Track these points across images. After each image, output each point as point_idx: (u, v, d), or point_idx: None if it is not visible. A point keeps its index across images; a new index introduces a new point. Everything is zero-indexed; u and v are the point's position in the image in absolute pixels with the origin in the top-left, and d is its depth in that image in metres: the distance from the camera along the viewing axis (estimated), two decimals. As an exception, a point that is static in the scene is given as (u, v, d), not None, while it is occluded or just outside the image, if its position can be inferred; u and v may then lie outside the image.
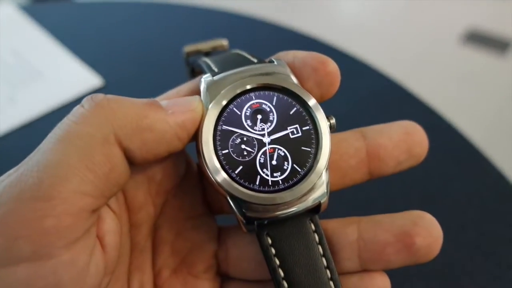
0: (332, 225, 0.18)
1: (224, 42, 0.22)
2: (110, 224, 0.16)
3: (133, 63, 0.43)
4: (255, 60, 0.18)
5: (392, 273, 0.27)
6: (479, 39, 1.32)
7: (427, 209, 0.30)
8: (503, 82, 1.18)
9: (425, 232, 0.16)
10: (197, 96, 0.17)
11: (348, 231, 0.17)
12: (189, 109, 0.16)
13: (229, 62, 0.18)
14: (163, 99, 0.17)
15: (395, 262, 0.16)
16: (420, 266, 0.28)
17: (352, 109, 0.38)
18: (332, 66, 0.17)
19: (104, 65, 0.43)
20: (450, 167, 0.33)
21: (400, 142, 0.18)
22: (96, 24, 0.50)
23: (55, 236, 0.13)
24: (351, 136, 0.18)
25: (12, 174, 0.14)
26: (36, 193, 0.13)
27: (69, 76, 0.41)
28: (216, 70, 0.18)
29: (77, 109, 0.15)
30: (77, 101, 0.38)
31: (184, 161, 0.19)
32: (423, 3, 1.48)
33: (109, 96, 0.15)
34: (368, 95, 0.39)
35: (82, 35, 0.47)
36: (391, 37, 1.36)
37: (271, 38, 0.47)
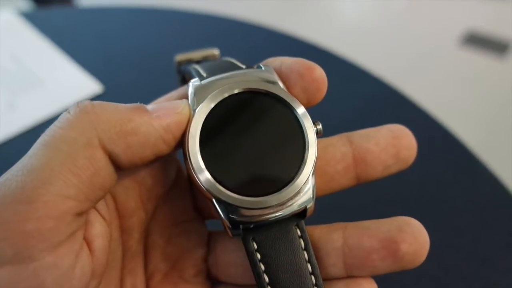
0: (318, 231, 0.18)
1: (216, 51, 0.22)
2: (99, 228, 0.16)
3: (132, 69, 0.43)
4: (244, 66, 0.18)
5: (387, 279, 0.27)
6: (478, 41, 1.33)
7: (423, 214, 0.30)
8: (502, 84, 1.18)
9: (411, 238, 0.16)
10: (184, 100, 0.17)
11: (334, 237, 0.17)
12: (175, 112, 0.16)
13: (217, 68, 0.18)
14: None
15: (380, 269, 0.16)
16: (415, 271, 0.28)
17: (348, 115, 0.38)
18: (319, 72, 0.17)
19: (103, 71, 0.43)
20: (447, 173, 0.34)
21: (388, 146, 0.18)
22: (95, 30, 0.50)
23: (36, 239, 0.13)
24: (338, 141, 0.18)
25: (4, 175, 0.14)
26: (18, 196, 0.13)
27: (68, 83, 0.42)
28: (204, 75, 0.18)
29: (63, 115, 0.15)
30: (77, 107, 0.39)
31: (174, 167, 0.19)
32: (421, 6, 1.49)
33: (95, 102, 0.15)
34: (364, 100, 0.39)
35: (81, 41, 0.48)
36: (390, 40, 1.36)
37: (269, 43, 0.47)
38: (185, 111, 0.16)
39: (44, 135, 0.15)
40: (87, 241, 0.15)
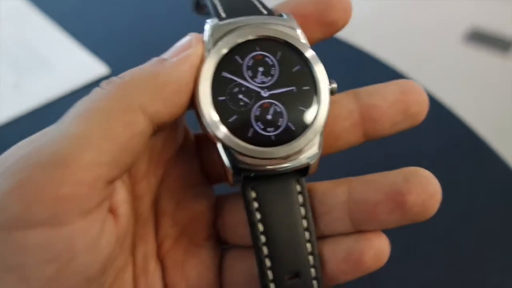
0: (323, 186, 0.17)
1: None
2: (123, 194, 0.16)
3: (138, 50, 0.43)
4: (265, 12, 0.17)
5: (399, 259, 0.27)
6: (481, 38, 1.32)
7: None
8: (506, 81, 1.18)
9: (419, 189, 0.15)
10: (189, 34, 0.17)
11: (338, 192, 0.17)
12: (190, 47, 0.16)
13: (237, 8, 0.17)
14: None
15: (389, 222, 0.16)
16: (427, 255, 0.28)
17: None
18: None
19: (109, 52, 0.43)
20: (457, 160, 0.34)
21: (396, 102, 0.17)
22: (100, 11, 0.49)
23: (71, 204, 0.13)
24: (344, 98, 0.18)
25: (33, 142, 0.14)
26: (54, 161, 0.13)
27: (74, 64, 0.41)
28: (223, 15, 0.17)
29: (96, 90, 0.15)
30: (83, 88, 0.39)
31: (182, 129, 0.19)
32: (425, 2, 1.48)
33: (121, 75, 0.16)
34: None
35: (87, 24, 0.47)
36: (393, 36, 1.36)
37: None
38: (197, 43, 0.16)
39: (79, 105, 0.15)
40: (114, 208, 0.15)
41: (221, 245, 0.19)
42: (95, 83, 0.41)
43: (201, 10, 0.20)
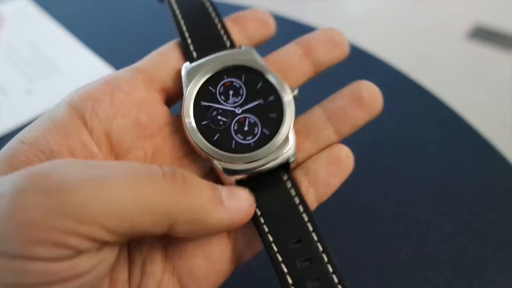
0: (304, 115, 0.22)
1: None
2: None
3: (146, 53, 0.43)
4: (229, 43, 0.22)
5: (406, 263, 0.27)
6: (485, 34, 1.32)
7: (440, 200, 0.30)
8: (509, 77, 1.17)
9: (367, 88, 0.21)
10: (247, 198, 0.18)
11: (316, 111, 0.22)
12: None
13: (205, 46, 0.22)
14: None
15: (359, 118, 0.21)
16: (433, 255, 0.28)
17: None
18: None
19: (117, 56, 0.43)
20: (462, 159, 0.34)
21: (326, 40, 0.23)
22: (108, 14, 0.50)
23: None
24: (291, 47, 0.23)
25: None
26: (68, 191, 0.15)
27: (84, 69, 0.42)
28: (194, 55, 0.21)
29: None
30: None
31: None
32: (429, -1, 1.48)
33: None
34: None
35: (94, 26, 0.48)
36: (397, 32, 1.36)
37: (279, 30, 0.47)
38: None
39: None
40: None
41: None
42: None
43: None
